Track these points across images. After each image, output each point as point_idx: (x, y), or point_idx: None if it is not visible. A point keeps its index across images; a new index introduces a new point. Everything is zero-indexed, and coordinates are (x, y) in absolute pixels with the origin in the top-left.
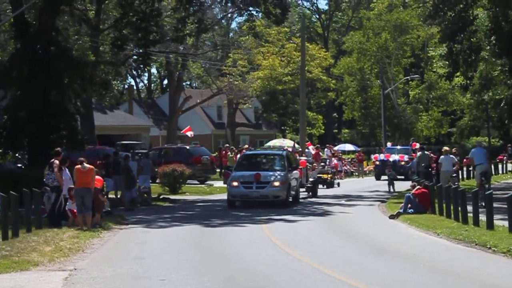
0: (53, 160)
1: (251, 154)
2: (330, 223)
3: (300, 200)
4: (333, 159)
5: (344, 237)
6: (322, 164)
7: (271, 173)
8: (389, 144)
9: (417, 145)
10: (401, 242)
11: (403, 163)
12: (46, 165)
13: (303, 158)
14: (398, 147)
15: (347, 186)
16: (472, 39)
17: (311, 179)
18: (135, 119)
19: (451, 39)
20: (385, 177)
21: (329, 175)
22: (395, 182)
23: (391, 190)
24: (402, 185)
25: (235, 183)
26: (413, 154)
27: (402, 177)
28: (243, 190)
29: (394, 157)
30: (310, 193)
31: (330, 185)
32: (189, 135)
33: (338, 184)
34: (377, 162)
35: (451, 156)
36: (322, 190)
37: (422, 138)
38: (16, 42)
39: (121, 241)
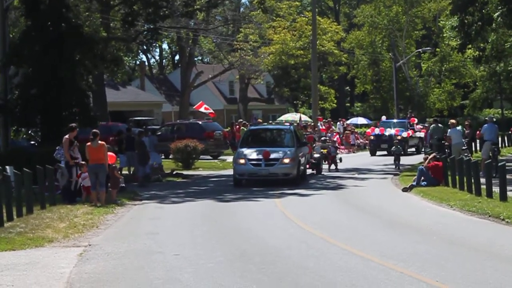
0: (67, 136)
1: (257, 129)
2: (343, 197)
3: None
4: (334, 133)
5: (357, 210)
6: (323, 138)
7: (280, 149)
8: (383, 118)
9: (415, 120)
10: (414, 215)
11: (399, 137)
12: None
13: (309, 132)
14: (394, 120)
15: (359, 160)
16: (483, 10)
17: (315, 155)
18: (147, 95)
19: (462, 11)
20: (381, 153)
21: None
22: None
23: (397, 166)
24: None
25: (241, 161)
26: (411, 129)
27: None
28: (251, 168)
29: (390, 131)
30: (315, 170)
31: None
32: (207, 113)
33: (340, 159)
34: (372, 137)
35: (458, 128)
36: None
37: (435, 110)
38: (27, 20)
39: (135, 217)
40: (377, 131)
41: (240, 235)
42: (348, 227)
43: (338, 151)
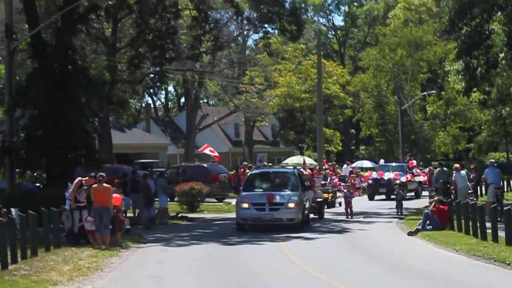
0: (80, 178)
1: (261, 173)
2: (349, 240)
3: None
4: (333, 177)
5: (363, 254)
6: (323, 182)
7: (284, 193)
8: (382, 161)
9: (414, 163)
10: (420, 259)
11: (398, 181)
12: (66, 184)
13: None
14: (393, 164)
15: (361, 203)
16: (488, 54)
17: (318, 199)
18: (152, 137)
19: (468, 54)
20: (380, 197)
21: (330, 194)
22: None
23: (399, 212)
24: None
25: (245, 205)
26: (409, 173)
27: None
28: (255, 212)
29: (389, 175)
30: (317, 215)
31: (331, 204)
32: (212, 155)
33: (340, 204)
34: (370, 181)
35: (462, 172)
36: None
37: (440, 154)
38: (33, 61)
39: (139, 259)
40: (375, 175)
41: (246, 280)
42: (354, 271)
43: (337, 195)
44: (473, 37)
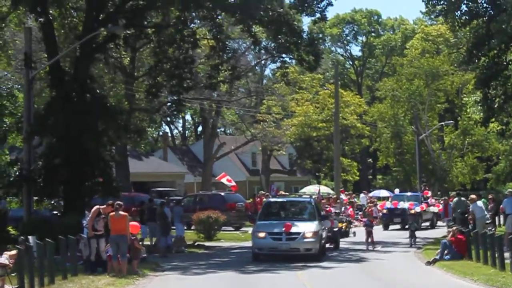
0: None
1: (276, 202)
2: (366, 270)
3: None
4: (348, 206)
5: (381, 284)
6: (337, 211)
7: (301, 222)
8: (396, 191)
9: (429, 193)
10: None
11: (412, 211)
12: (83, 212)
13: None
14: (408, 193)
15: (378, 233)
16: (506, 85)
17: (334, 229)
18: (170, 165)
19: (486, 85)
20: (394, 227)
21: (344, 224)
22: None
23: (413, 243)
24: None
25: (261, 234)
26: (424, 203)
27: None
28: (271, 242)
29: (403, 205)
30: (332, 245)
31: (345, 234)
32: (229, 185)
33: (354, 234)
34: (384, 211)
35: (479, 202)
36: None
37: (458, 184)
38: (52, 90)
39: None
40: (389, 204)
41: None
42: None
43: (351, 225)
44: (491, 68)
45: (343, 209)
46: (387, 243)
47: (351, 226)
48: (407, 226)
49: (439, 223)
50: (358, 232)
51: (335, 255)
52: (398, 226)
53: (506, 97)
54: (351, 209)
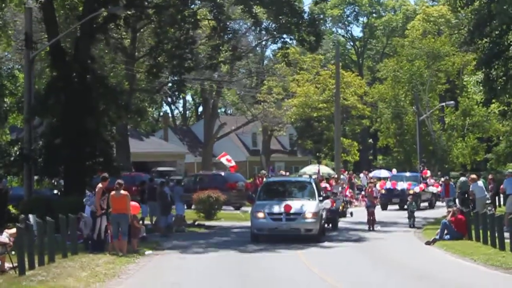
0: (101, 186)
1: (276, 182)
2: (366, 249)
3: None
4: (345, 187)
5: (381, 263)
6: (334, 192)
7: (301, 203)
8: (394, 171)
9: (428, 173)
10: (438, 269)
11: (411, 191)
12: (83, 191)
13: (324, 185)
14: (407, 174)
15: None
16: (508, 65)
17: (332, 209)
18: (170, 146)
19: (487, 66)
20: (393, 207)
21: (342, 204)
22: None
23: (411, 224)
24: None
25: (260, 214)
26: (423, 183)
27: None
28: (271, 223)
29: (402, 185)
30: (330, 225)
31: (342, 214)
32: (228, 165)
33: (351, 214)
34: (383, 191)
35: (479, 182)
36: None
37: (458, 164)
38: (52, 70)
39: (156, 266)
40: (388, 184)
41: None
42: (372, 281)
43: (350, 204)
44: (492, 48)
45: (340, 189)
46: (386, 223)
47: (348, 206)
48: (405, 207)
49: (438, 203)
50: (356, 212)
51: (335, 234)
52: (396, 207)
53: (508, 77)
54: (349, 189)
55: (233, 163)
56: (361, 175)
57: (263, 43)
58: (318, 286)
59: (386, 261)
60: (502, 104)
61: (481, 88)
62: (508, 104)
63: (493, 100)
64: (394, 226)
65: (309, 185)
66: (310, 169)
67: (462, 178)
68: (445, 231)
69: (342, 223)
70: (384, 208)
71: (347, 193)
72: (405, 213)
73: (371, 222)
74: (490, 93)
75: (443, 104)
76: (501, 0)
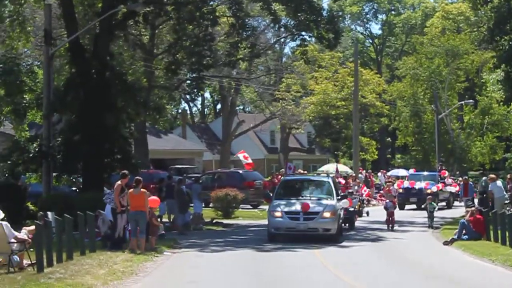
0: (119, 183)
1: (293, 180)
2: (384, 249)
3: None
4: (361, 185)
5: (398, 263)
6: (350, 191)
7: (319, 202)
8: (411, 170)
9: (446, 173)
10: (456, 269)
11: (429, 191)
12: (102, 188)
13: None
14: (425, 173)
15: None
16: None
17: (350, 209)
18: (188, 143)
19: (508, 64)
20: (410, 207)
21: (358, 204)
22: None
23: (431, 224)
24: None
25: (278, 213)
26: (441, 183)
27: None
28: (288, 222)
29: (420, 184)
30: (347, 224)
31: (358, 214)
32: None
33: (367, 213)
34: (401, 190)
35: (498, 182)
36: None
37: (477, 164)
38: (71, 67)
39: (174, 265)
40: (406, 184)
41: (280, 286)
42: (389, 281)
43: (368, 203)
44: None
45: (356, 188)
46: (403, 222)
47: (364, 205)
48: (423, 206)
49: (456, 203)
50: (372, 211)
51: (352, 234)
52: (414, 206)
53: None
54: (364, 188)
55: (249, 161)
56: (379, 174)
57: (282, 40)
58: (335, 285)
59: (404, 261)
60: None
61: (501, 86)
62: None
63: None
64: (411, 225)
65: (327, 183)
66: (328, 168)
67: (484, 178)
68: (463, 231)
69: (358, 222)
70: (401, 207)
71: (363, 191)
72: (422, 213)
73: (391, 222)
74: (511, 91)
75: (462, 102)
76: None
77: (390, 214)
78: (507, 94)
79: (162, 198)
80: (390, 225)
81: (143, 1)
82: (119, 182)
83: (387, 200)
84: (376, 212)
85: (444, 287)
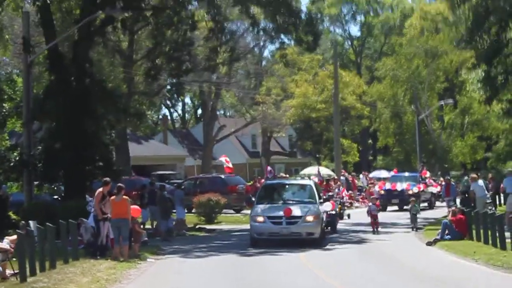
0: (100, 190)
1: (274, 184)
2: (368, 251)
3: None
4: (342, 188)
5: (382, 264)
6: (330, 194)
7: (302, 206)
8: (393, 172)
9: (428, 173)
10: (439, 269)
11: (410, 192)
12: (83, 196)
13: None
14: (406, 174)
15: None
16: (507, 63)
17: (331, 212)
18: (170, 149)
19: (488, 63)
20: (392, 208)
21: (338, 206)
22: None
23: (414, 227)
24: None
25: (260, 218)
26: (423, 183)
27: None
28: (271, 227)
29: (401, 186)
30: (329, 228)
31: (340, 216)
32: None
33: (348, 216)
34: (382, 192)
35: (479, 182)
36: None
37: (458, 163)
38: (51, 74)
39: (158, 271)
40: (388, 185)
41: None
42: (374, 282)
43: (345, 207)
44: (492, 45)
45: (337, 190)
46: (386, 223)
47: (345, 208)
48: (405, 207)
49: (438, 203)
50: (354, 214)
51: (336, 236)
52: (396, 207)
53: (508, 74)
54: (345, 191)
55: (230, 165)
56: (361, 176)
57: (261, 44)
58: (319, 286)
59: (389, 262)
60: (501, 103)
61: (481, 86)
62: (510, 102)
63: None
64: (394, 227)
65: (309, 187)
66: (310, 171)
67: (466, 177)
68: (446, 231)
69: (341, 225)
70: (383, 209)
71: (343, 194)
72: (404, 214)
73: (375, 224)
74: (492, 91)
75: (442, 102)
76: None
77: (374, 217)
78: (488, 93)
79: (145, 205)
80: (375, 228)
81: (121, 6)
82: (100, 189)
83: (370, 203)
84: (358, 214)
85: (430, 287)
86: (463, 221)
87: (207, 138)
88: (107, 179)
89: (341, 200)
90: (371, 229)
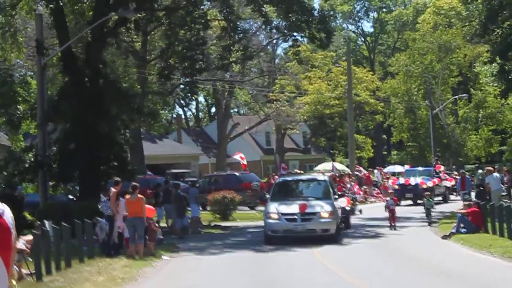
0: (114, 190)
1: (289, 181)
2: (383, 245)
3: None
4: (353, 184)
5: (398, 259)
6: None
7: (317, 202)
8: (407, 166)
9: (442, 168)
10: (455, 263)
11: (424, 186)
12: (98, 196)
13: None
14: (420, 168)
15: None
16: None
17: (346, 208)
18: (184, 147)
19: (502, 57)
20: (406, 202)
21: (351, 202)
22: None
23: (430, 220)
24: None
25: (275, 215)
26: (437, 178)
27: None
28: (286, 224)
29: (415, 180)
30: (343, 224)
31: (351, 212)
32: (240, 162)
33: (360, 211)
34: (396, 187)
35: (494, 175)
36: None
37: (473, 157)
38: (64, 76)
39: (173, 269)
40: (402, 180)
41: (280, 287)
42: (390, 277)
43: (357, 203)
44: (506, 39)
45: (349, 186)
46: (401, 218)
47: (357, 203)
48: (419, 202)
49: (452, 197)
50: (367, 209)
51: (351, 232)
52: (410, 202)
53: None
54: (356, 186)
55: (245, 162)
56: (375, 171)
57: (274, 41)
58: (336, 284)
59: (404, 257)
60: None
61: (495, 79)
62: None
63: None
64: (409, 221)
65: (324, 183)
66: (325, 167)
67: (480, 171)
68: (461, 225)
69: (355, 220)
70: (397, 203)
71: (355, 189)
72: (419, 208)
73: (393, 220)
74: (508, 84)
75: (456, 97)
76: None
77: (392, 212)
78: (503, 87)
79: (160, 203)
80: (393, 223)
81: (134, 7)
82: (113, 189)
83: (388, 198)
84: (370, 209)
85: (446, 281)
86: (479, 214)
87: (221, 136)
88: (118, 178)
89: (352, 196)
90: (388, 224)
